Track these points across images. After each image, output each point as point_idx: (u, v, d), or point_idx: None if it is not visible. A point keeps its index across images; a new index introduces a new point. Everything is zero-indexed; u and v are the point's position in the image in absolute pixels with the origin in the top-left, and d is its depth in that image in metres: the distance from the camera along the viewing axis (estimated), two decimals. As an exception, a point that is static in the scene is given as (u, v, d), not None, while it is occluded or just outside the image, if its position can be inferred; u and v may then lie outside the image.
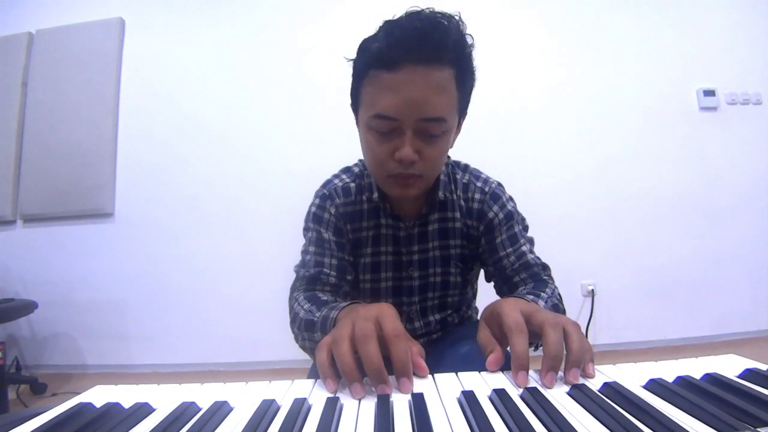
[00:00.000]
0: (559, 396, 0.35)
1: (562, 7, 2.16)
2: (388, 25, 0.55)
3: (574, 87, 2.12)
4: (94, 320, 2.13)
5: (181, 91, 2.20)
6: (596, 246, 2.06)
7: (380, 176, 0.62)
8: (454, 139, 0.65)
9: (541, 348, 0.42)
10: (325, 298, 0.65)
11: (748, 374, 0.37)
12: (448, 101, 0.56)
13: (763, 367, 0.38)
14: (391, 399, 0.35)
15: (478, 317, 0.84)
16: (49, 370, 2.11)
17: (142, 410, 0.35)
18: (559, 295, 0.66)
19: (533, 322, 0.42)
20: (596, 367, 0.40)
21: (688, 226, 2.06)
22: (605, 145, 2.09)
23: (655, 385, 0.35)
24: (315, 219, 0.72)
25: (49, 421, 0.33)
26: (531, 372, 0.40)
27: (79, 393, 0.40)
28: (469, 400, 0.33)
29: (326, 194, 0.73)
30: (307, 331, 0.59)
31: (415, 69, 0.52)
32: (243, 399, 0.36)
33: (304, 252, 0.72)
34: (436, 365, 0.51)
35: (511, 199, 0.74)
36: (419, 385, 0.38)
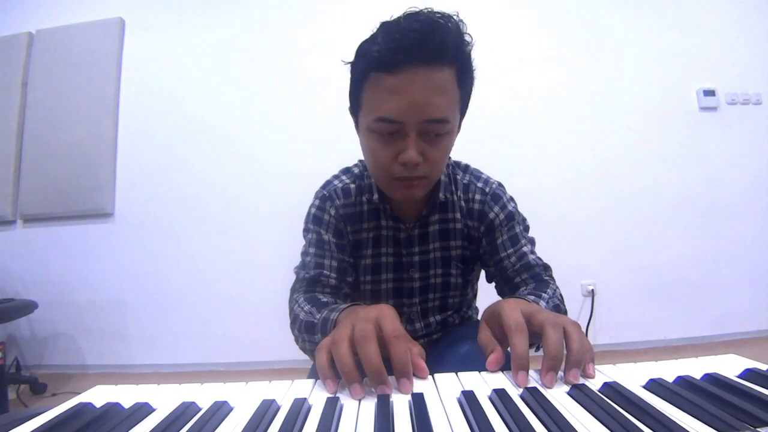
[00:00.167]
0: (559, 396, 0.35)
1: (562, 7, 2.16)
2: (386, 26, 0.55)
3: (574, 87, 2.12)
4: (94, 320, 2.13)
5: (181, 91, 2.21)
6: (596, 246, 2.06)
7: (384, 180, 0.62)
8: (454, 140, 0.65)
9: (541, 348, 0.42)
10: (325, 299, 0.65)
11: (748, 374, 0.37)
12: (450, 101, 0.56)
13: (763, 367, 0.38)
14: (391, 399, 0.35)
15: (479, 318, 0.84)
16: (49, 370, 2.11)
17: (142, 410, 0.35)
18: (561, 295, 0.66)
19: (534, 322, 0.42)
20: (596, 367, 0.40)
21: (688, 226, 2.06)
22: (605, 145, 2.09)
23: (655, 385, 0.35)
24: (315, 220, 0.72)
25: (49, 421, 0.33)
26: (531, 372, 0.40)
27: (79, 393, 0.40)
28: (469, 400, 0.33)
29: (326, 195, 0.72)
30: (307, 332, 0.59)
31: (416, 71, 0.52)
32: (243, 399, 0.36)
33: (304, 253, 0.72)
34: (436, 365, 0.51)
35: (511, 199, 0.74)
36: (419, 385, 0.38)
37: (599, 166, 2.08)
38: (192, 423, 0.32)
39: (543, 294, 0.62)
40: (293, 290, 0.70)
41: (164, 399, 0.37)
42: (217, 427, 0.31)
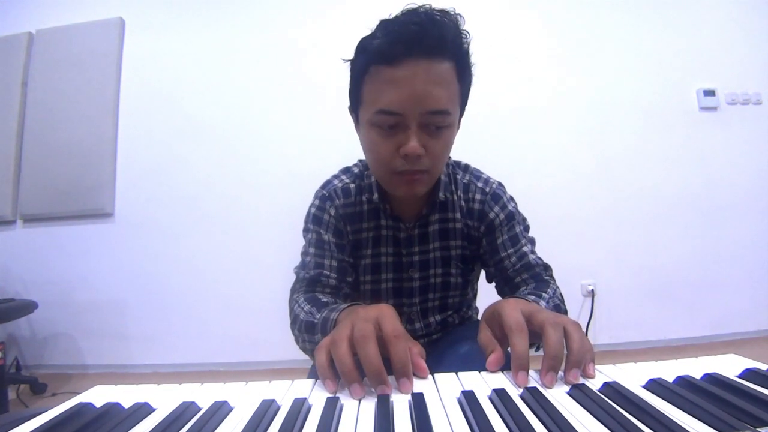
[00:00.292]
0: (559, 396, 0.35)
1: (562, 7, 2.16)
2: (385, 23, 0.55)
3: (574, 87, 2.12)
4: (94, 320, 2.13)
5: (181, 91, 2.21)
6: (596, 246, 2.06)
7: (385, 175, 0.61)
8: (455, 135, 0.65)
9: (541, 348, 0.42)
10: (325, 299, 0.65)
11: (748, 374, 0.37)
12: (451, 94, 0.56)
13: (763, 367, 0.38)
14: (391, 399, 0.35)
15: (479, 318, 0.84)
16: (49, 370, 2.11)
17: (142, 410, 0.35)
18: (561, 295, 0.66)
19: (534, 322, 0.42)
20: (596, 367, 0.40)
21: (688, 226, 2.06)
22: (605, 145, 2.09)
23: (655, 385, 0.35)
24: (315, 220, 0.72)
25: (49, 421, 0.33)
26: (531, 372, 0.40)
27: (79, 393, 0.40)
28: (469, 400, 0.33)
29: (326, 195, 0.72)
30: (307, 332, 0.59)
31: (416, 63, 0.52)
32: (243, 399, 0.36)
33: (304, 253, 0.72)
34: (436, 365, 0.51)
35: (512, 199, 0.74)
36: (419, 385, 0.38)
37: (599, 166, 2.08)
38: (192, 423, 0.32)
39: (543, 294, 0.62)
40: (293, 290, 0.70)
41: (164, 399, 0.37)
42: (217, 427, 0.31)
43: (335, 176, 0.76)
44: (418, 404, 0.33)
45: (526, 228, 0.74)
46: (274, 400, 0.35)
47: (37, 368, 2.13)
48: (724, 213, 2.06)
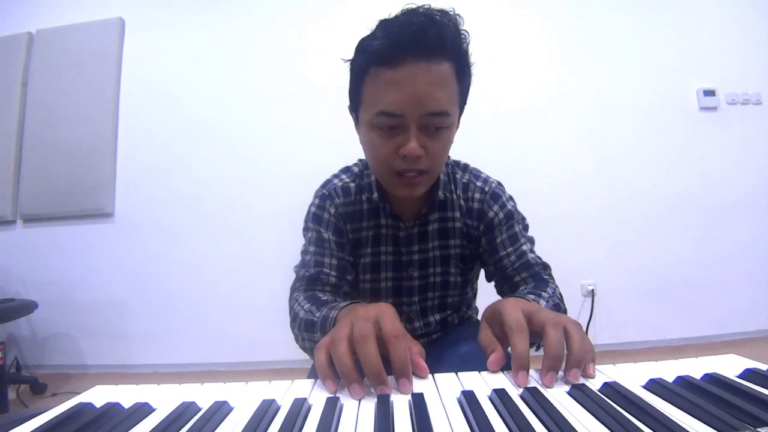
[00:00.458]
0: (559, 396, 0.35)
1: (562, 7, 2.16)
2: (385, 23, 0.55)
3: (574, 87, 2.12)
4: (94, 320, 2.13)
5: (181, 91, 2.20)
6: (596, 246, 2.06)
7: (385, 175, 0.62)
8: (454, 135, 0.65)
9: (542, 348, 0.42)
10: (325, 298, 0.65)
11: (748, 374, 0.37)
12: (450, 95, 0.56)
13: (763, 367, 0.38)
14: (391, 399, 0.35)
15: (479, 317, 0.84)
16: (49, 370, 2.11)
17: (142, 410, 0.35)
18: (561, 294, 0.66)
19: (534, 322, 0.42)
20: (596, 367, 0.40)
21: (688, 226, 2.06)
22: (605, 145, 2.09)
23: (655, 385, 0.35)
24: (315, 219, 0.72)
25: (49, 421, 0.33)
26: (531, 372, 0.40)
27: (79, 393, 0.40)
28: (469, 400, 0.33)
29: (326, 194, 0.72)
30: (307, 331, 0.59)
31: (416, 64, 0.52)
32: (243, 399, 0.36)
33: (304, 252, 0.72)
34: (436, 365, 0.51)
35: (511, 198, 0.74)
36: (419, 385, 0.38)
37: (599, 166, 2.08)
38: (192, 423, 0.32)
39: (543, 293, 0.62)
40: (293, 289, 0.70)
41: (164, 399, 0.37)
42: (217, 427, 0.31)
43: (335, 175, 0.76)
44: (418, 404, 0.33)
45: (525, 227, 0.74)
46: (274, 400, 0.35)
47: (37, 368, 2.13)
48: (724, 213, 2.06)
